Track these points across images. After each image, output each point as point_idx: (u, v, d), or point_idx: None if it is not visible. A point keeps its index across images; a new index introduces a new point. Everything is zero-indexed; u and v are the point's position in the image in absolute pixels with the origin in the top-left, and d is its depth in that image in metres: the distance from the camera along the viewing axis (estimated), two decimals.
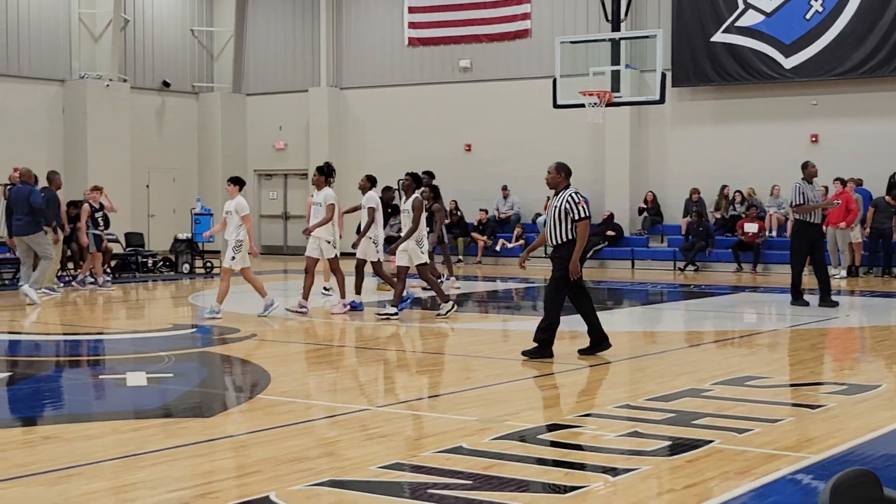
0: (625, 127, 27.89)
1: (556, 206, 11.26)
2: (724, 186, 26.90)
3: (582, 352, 11.61)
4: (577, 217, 11.14)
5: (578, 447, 7.23)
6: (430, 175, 20.95)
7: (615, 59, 23.83)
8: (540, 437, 7.56)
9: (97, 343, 13.72)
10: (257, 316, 15.28)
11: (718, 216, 26.86)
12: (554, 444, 7.34)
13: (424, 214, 15.63)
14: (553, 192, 11.45)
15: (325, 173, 16.04)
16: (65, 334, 14.20)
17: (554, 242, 11.34)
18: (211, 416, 8.70)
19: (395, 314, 15.24)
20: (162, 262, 24.58)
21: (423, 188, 16.31)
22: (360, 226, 17.40)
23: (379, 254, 16.55)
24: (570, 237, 11.21)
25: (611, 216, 27.63)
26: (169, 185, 31.56)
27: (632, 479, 6.41)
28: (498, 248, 28.89)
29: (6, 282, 20.95)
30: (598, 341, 11.59)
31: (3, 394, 9.74)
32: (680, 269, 26.09)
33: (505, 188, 29.24)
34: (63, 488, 6.21)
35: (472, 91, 30.32)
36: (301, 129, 32.72)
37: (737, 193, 26.71)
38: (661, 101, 23.95)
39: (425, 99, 30.93)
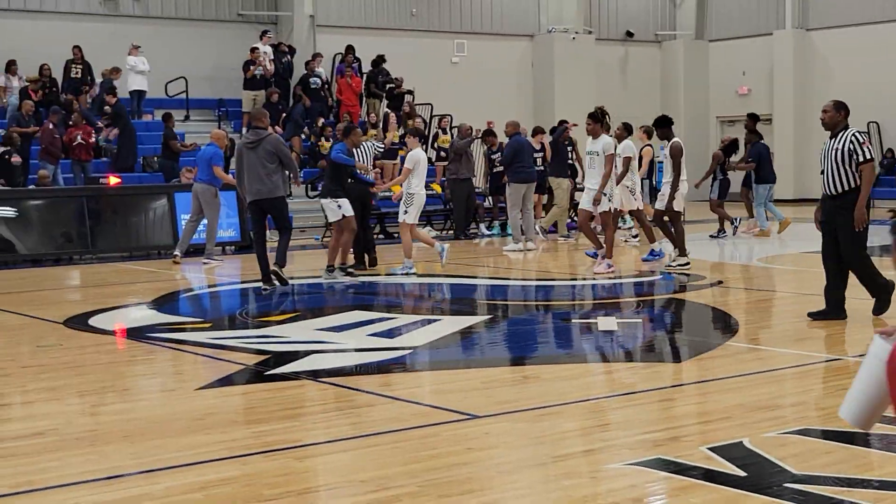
0: None
1: (836, 149, 10.10)
2: None
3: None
4: (862, 158, 10.00)
5: None
6: (754, 118, 20.30)
7: None
8: None
9: (570, 288, 14.25)
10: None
11: None
12: None
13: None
14: (829, 133, 10.26)
15: (599, 119, 14.76)
16: (538, 280, 14.87)
17: (835, 191, 10.13)
18: (680, 362, 8.88)
19: (687, 263, 14.67)
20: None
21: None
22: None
23: (637, 202, 16.73)
24: (854, 184, 10.05)
25: None
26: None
27: None
28: None
29: (492, 231, 22.13)
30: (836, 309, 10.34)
31: (488, 335, 10.40)
32: None
33: None
34: (544, 426, 6.61)
35: None
36: (764, 73, 32.00)
37: None
38: None
39: None
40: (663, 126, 15.10)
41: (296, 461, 5.91)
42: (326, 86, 25.70)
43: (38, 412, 7.27)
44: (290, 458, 5.95)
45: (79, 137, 20.55)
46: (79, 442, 6.34)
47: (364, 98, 26.14)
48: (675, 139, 14.99)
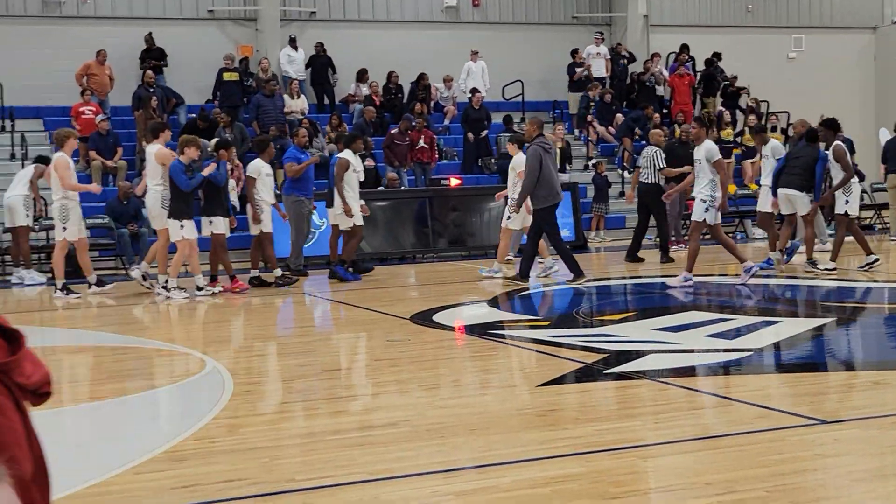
0: None
1: None
2: None
3: None
4: None
5: None
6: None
7: None
8: None
9: None
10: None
11: None
12: None
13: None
14: None
15: (705, 124, 13.97)
16: (885, 281, 14.24)
17: None
18: None
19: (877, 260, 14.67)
20: None
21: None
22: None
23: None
24: None
25: None
26: None
27: None
28: None
29: None
30: None
31: (833, 338, 10.05)
32: None
33: None
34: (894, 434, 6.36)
35: None
36: None
37: None
38: None
39: None
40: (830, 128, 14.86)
41: (640, 460, 5.93)
42: (661, 85, 25.55)
43: (391, 403, 7.62)
44: (633, 457, 5.98)
45: (421, 141, 21.36)
46: (429, 433, 6.60)
47: (698, 96, 25.84)
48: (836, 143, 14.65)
